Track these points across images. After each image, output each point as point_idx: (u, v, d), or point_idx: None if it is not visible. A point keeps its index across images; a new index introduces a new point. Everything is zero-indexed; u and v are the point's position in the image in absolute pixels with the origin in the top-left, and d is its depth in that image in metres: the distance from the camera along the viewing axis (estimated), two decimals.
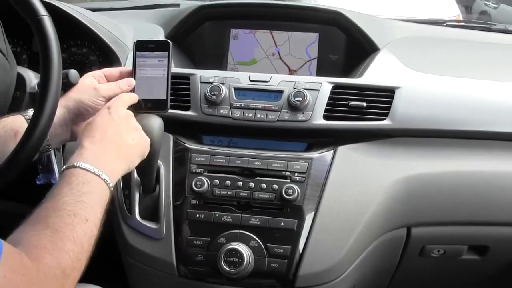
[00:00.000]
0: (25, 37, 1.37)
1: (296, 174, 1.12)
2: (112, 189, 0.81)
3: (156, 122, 0.99)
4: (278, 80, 1.21)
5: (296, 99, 1.16)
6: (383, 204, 1.13)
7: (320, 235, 1.09)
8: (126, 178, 1.15)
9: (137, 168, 1.08)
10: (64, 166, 0.79)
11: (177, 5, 1.68)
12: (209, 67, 1.36)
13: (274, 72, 1.44)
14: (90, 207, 0.75)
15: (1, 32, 1.03)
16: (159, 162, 1.12)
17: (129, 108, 1.03)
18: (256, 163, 1.14)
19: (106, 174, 0.79)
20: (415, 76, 1.24)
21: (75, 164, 0.78)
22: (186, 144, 1.19)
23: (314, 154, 1.15)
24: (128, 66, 1.27)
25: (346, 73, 1.38)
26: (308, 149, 1.18)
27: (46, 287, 0.64)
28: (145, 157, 0.94)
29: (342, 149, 1.16)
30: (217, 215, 1.11)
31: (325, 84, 1.19)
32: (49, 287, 0.65)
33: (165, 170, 1.16)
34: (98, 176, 0.78)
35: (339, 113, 1.17)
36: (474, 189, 1.17)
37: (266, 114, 1.18)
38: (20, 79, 1.08)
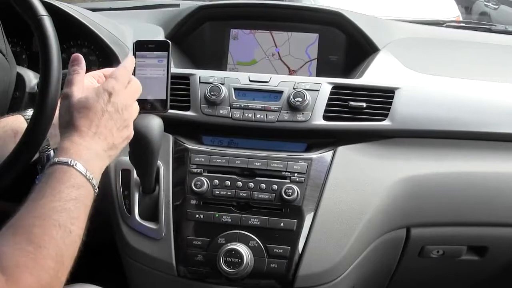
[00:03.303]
0: (24, 37, 1.38)
1: (295, 174, 1.12)
2: (96, 194, 0.77)
3: (155, 122, 0.99)
4: (278, 81, 1.21)
5: (296, 99, 1.16)
6: (383, 204, 1.12)
7: (319, 236, 1.09)
8: (126, 179, 1.15)
9: (136, 168, 1.08)
10: (56, 159, 0.73)
11: (177, 5, 1.68)
12: (209, 67, 1.37)
13: (274, 72, 1.44)
14: (76, 217, 0.71)
15: (1, 32, 1.03)
16: (159, 162, 1.12)
17: None
18: (256, 164, 1.14)
19: (95, 178, 0.76)
20: (415, 77, 1.24)
21: (69, 162, 0.73)
22: (186, 145, 1.19)
23: (314, 155, 1.15)
24: None
25: (346, 74, 1.38)
26: (308, 149, 1.18)
27: None
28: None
29: (341, 150, 1.16)
30: (217, 215, 1.11)
31: (325, 85, 1.19)
32: None
33: (165, 170, 1.16)
34: (89, 180, 0.74)
35: (339, 113, 1.17)
36: (474, 190, 1.17)
37: (266, 115, 1.18)
38: (20, 79, 1.08)
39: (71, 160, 0.73)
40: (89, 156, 0.76)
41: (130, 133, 0.86)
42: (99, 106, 0.80)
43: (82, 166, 0.74)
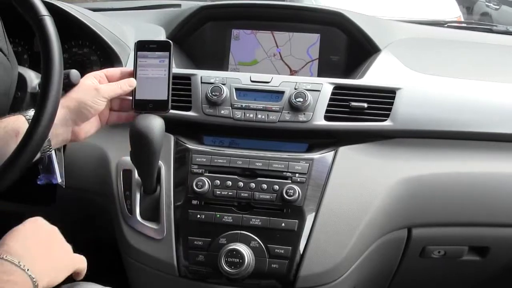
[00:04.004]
0: (26, 37, 1.37)
1: (297, 174, 1.12)
2: None
3: (157, 122, 0.99)
4: (279, 81, 1.21)
5: (297, 99, 1.16)
6: (384, 205, 1.12)
7: (320, 236, 1.09)
8: (127, 179, 1.15)
9: (138, 168, 1.08)
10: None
11: (179, 5, 1.68)
12: (210, 67, 1.37)
13: (275, 72, 1.44)
14: None
15: (3, 32, 1.03)
16: (160, 162, 1.12)
17: (130, 109, 1.03)
18: (257, 164, 1.14)
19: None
20: (416, 77, 1.24)
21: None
22: (187, 145, 1.19)
23: (315, 155, 1.15)
24: (129, 66, 1.27)
25: (347, 74, 1.38)
26: (309, 149, 1.18)
27: None
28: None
29: (343, 150, 1.16)
30: (218, 215, 1.11)
31: (326, 85, 1.19)
32: None
33: (166, 171, 1.16)
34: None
35: (340, 113, 1.17)
36: (475, 190, 1.17)
37: (267, 115, 1.18)
38: (21, 79, 1.08)
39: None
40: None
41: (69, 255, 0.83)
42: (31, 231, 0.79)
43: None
